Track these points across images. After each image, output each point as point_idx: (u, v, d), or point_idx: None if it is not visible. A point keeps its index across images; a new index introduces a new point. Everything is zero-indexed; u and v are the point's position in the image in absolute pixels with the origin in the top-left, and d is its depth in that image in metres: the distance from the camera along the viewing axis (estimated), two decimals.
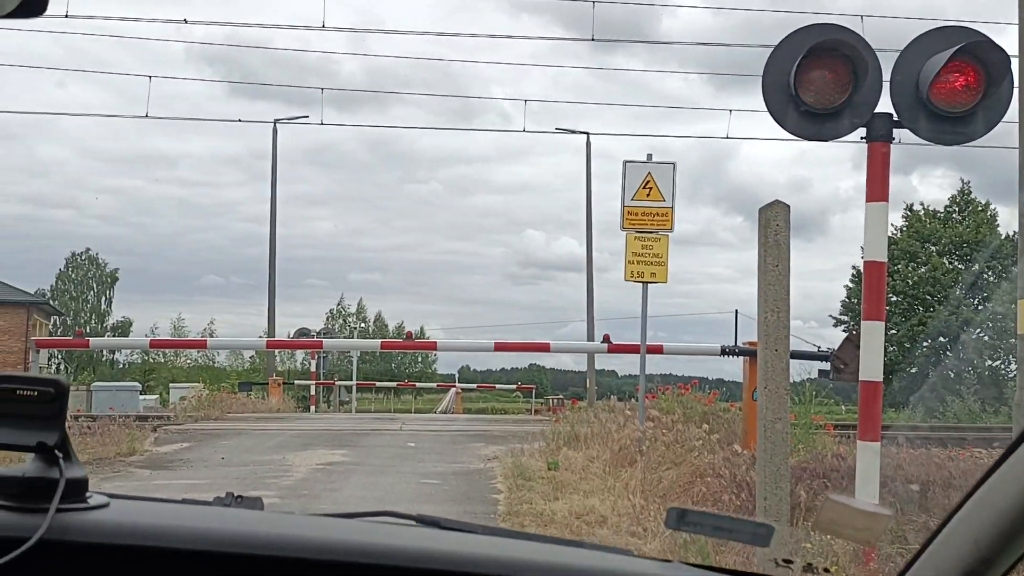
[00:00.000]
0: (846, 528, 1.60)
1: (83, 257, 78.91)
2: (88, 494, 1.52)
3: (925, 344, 49.13)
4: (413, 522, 1.74)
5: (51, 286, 76.93)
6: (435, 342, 34.87)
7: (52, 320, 60.72)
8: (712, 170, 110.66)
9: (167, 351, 67.24)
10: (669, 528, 1.70)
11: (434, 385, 63.59)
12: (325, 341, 40.32)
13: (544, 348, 23.72)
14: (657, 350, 19.07)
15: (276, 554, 1.48)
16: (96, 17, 46.97)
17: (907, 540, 7.59)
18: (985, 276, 50.92)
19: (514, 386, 64.44)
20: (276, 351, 48.13)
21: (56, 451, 1.47)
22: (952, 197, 56.09)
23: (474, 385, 62.93)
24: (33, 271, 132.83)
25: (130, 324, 78.80)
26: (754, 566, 6.56)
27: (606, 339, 20.72)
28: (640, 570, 1.63)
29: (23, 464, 1.49)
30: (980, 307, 49.89)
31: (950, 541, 1.46)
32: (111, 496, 1.57)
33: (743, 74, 38.25)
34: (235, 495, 1.76)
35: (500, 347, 22.96)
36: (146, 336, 59.12)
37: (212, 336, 65.72)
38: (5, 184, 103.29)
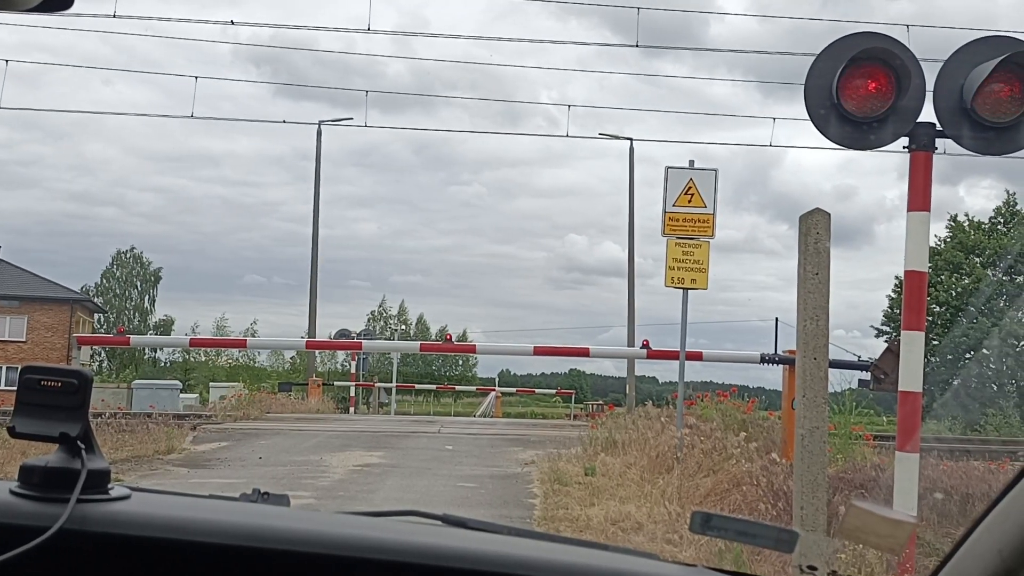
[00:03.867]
0: (870, 535, 1.60)
1: (128, 255, 79.64)
2: (110, 486, 1.53)
3: (967, 356, 48.60)
4: (439, 522, 1.74)
5: (96, 284, 77.76)
6: (474, 345, 34.96)
7: (96, 317, 61.41)
8: (757, 177, 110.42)
9: (208, 350, 67.72)
10: (693, 532, 1.70)
11: (474, 388, 63.61)
12: (364, 342, 40.42)
13: (583, 353, 23.70)
14: (697, 357, 19.03)
15: (298, 549, 1.48)
16: (144, 17, 47.55)
17: (943, 552, 7.52)
18: None
19: (554, 391, 64.41)
20: (317, 352, 48.35)
21: (79, 442, 1.49)
22: (997, 208, 55.52)
23: (514, 389, 62.87)
24: (80, 268, 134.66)
25: (172, 323, 79.53)
26: (789, 575, 6.53)
27: (645, 345, 20.70)
28: (663, 573, 1.63)
29: (47, 455, 1.51)
30: None
31: (974, 551, 1.45)
32: (134, 489, 1.59)
33: (790, 82, 37.99)
34: (261, 491, 1.76)
35: (540, 351, 22.99)
36: (187, 335, 59.55)
37: (254, 336, 66.13)
38: (54, 182, 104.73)
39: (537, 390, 66.23)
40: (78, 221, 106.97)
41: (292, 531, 1.54)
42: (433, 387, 60.00)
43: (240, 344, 48.64)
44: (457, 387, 64.12)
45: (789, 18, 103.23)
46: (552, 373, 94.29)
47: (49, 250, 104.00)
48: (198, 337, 56.00)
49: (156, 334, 73.31)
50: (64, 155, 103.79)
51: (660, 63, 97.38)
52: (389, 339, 69.70)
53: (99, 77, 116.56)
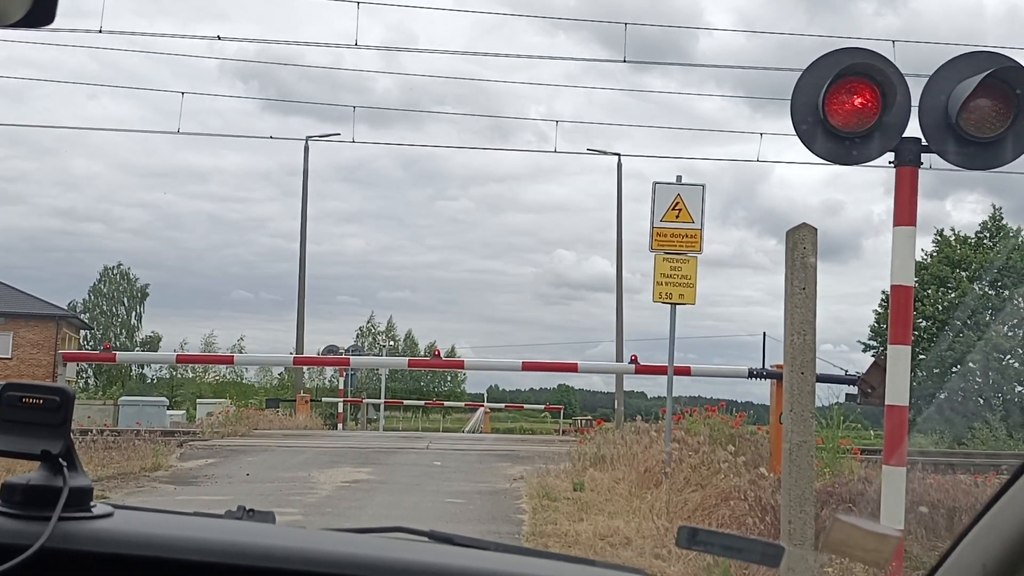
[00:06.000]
0: (855, 550, 1.60)
1: (115, 271, 79.39)
2: (92, 503, 1.52)
3: (953, 370, 48.71)
4: (426, 538, 1.73)
5: (83, 300, 77.51)
6: (462, 361, 34.89)
7: (83, 334, 61.16)
8: (745, 192, 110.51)
9: (196, 366, 67.46)
10: (680, 547, 1.70)
11: (462, 404, 63.46)
12: (352, 359, 40.34)
13: (572, 368, 23.67)
14: (685, 372, 19.02)
15: (282, 567, 1.47)
16: (130, 32, 47.59)
17: (930, 566, 7.51)
18: (1016, 302, 50.55)
19: (542, 406, 64.35)
20: (305, 368, 48.24)
21: (60, 459, 1.48)
22: (983, 223, 55.72)
23: (502, 405, 62.74)
24: (66, 284, 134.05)
25: (159, 339, 79.24)
26: None
27: (634, 360, 20.68)
28: None
29: (29, 472, 1.51)
30: (1011, 333, 49.49)
31: (958, 565, 1.46)
32: (116, 506, 1.58)
33: (777, 97, 38.13)
34: (246, 508, 1.75)
35: (528, 367, 22.94)
36: (174, 351, 59.31)
37: (241, 352, 65.89)
38: (39, 198, 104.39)
39: (526, 405, 66.09)
40: (64, 237, 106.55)
41: (276, 548, 1.53)
42: (422, 403, 59.87)
43: (227, 360, 48.45)
44: (446, 403, 63.99)
45: (777, 33, 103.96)
46: (541, 388, 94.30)
47: (34, 266, 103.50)
48: (184, 353, 55.79)
49: (143, 350, 73.01)
50: (49, 171, 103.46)
51: (648, 78, 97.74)
52: (377, 355, 69.54)
53: (85, 92, 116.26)
